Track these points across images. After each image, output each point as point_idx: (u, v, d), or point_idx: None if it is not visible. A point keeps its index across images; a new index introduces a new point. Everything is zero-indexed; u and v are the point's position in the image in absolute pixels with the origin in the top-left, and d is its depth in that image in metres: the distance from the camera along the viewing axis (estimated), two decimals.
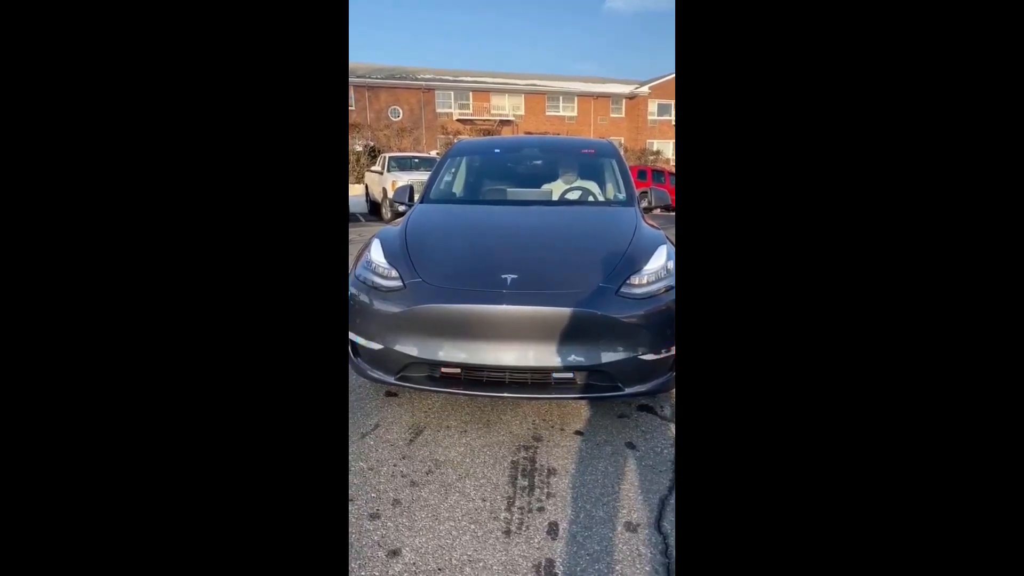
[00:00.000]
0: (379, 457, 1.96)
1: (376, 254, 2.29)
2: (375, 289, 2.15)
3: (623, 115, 31.13)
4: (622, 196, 3.05)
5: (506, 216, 2.77)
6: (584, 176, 3.41)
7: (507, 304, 1.95)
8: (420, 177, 10.58)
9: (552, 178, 3.37)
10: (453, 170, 3.36)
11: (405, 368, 2.08)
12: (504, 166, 3.52)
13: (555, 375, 2.00)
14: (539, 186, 3.33)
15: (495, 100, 28.43)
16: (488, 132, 24.08)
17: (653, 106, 30.97)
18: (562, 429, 2.19)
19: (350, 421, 2.24)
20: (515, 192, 3.21)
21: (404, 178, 10.50)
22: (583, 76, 34.11)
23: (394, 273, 2.16)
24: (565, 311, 1.93)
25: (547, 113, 29.43)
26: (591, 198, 3.17)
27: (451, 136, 24.35)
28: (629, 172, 3.22)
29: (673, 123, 31.22)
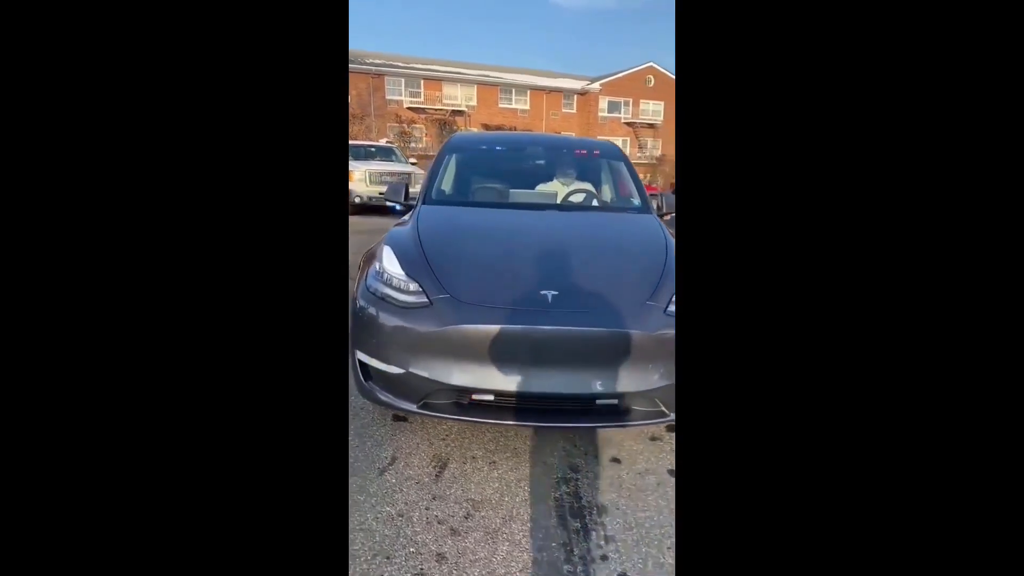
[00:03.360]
0: (407, 499, 1.73)
1: (390, 263, 2.04)
2: (393, 305, 1.90)
3: (574, 110, 31.36)
4: (637, 202, 2.92)
5: (524, 222, 2.57)
6: (593, 179, 3.26)
7: (550, 324, 1.76)
8: (379, 167, 10.14)
9: (563, 178, 3.19)
10: (453, 168, 3.11)
11: (429, 395, 1.85)
12: (508, 166, 3.30)
13: (599, 401, 1.84)
14: (547, 187, 3.15)
15: (447, 89, 27.81)
16: (442, 122, 23.47)
17: (604, 103, 31.40)
18: (596, 456, 2.03)
19: (360, 451, 1.99)
20: (526, 194, 3.02)
21: (360, 168, 10.01)
22: (535, 69, 34.03)
23: (414, 287, 1.92)
24: (613, 332, 1.77)
25: (500, 105, 29.15)
26: (595, 202, 3.03)
27: (405, 125, 23.58)
28: (638, 176, 3.10)
29: (623, 120, 31.83)
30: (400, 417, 2.23)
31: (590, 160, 3.35)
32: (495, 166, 3.27)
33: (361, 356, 1.99)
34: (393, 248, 2.13)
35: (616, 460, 2.02)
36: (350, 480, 1.81)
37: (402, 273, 1.98)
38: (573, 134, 29.27)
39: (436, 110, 26.44)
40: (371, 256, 2.29)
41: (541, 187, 3.23)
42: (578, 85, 31.20)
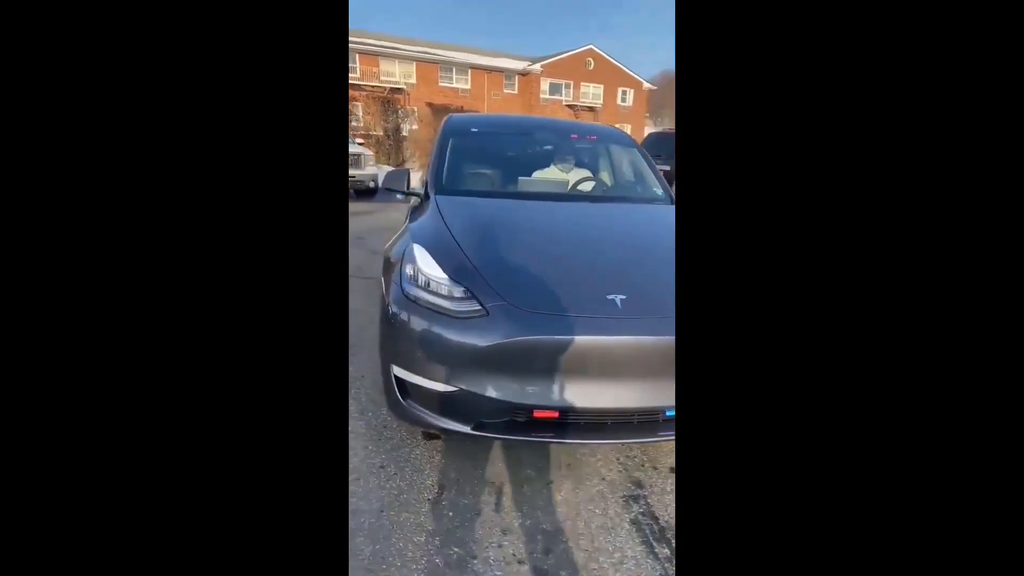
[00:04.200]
0: (473, 536, 1.53)
1: (427, 265, 1.79)
2: (439, 313, 1.67)
3: (516, 91, 31.01)
4: (659, 192, 2.79)
5: (562, 216, 2.37)
6: (597, 166, 3.10)
7: (624, 333, 1.60)
8: None
9: (561, 164, 3.01)
10: (458, 153, 2.84)
11: (486, 414, 1.65)
12: (518, 152, 3.07)
13: (668, 412, 1.71)
14: (545, 174, 2.96)
15: (385, 66, 26.56)
16: (384, 100, 22.32)
17: (545, 84, 31.24)
18: (655, 467, 1.91)
19: (401, 479, 1.75)
20: (545, 183, 2.81)
21: None
22: (475, 48, 33.22)
23: (461, 291, 1.69)
24: None
25: (440, 84, 28.27)
26: (595, 189, 2.88)
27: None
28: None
29: (564, 103, 31.87)
30: (432, 435, 2.00)
31: (598, 146, 3.19)
32: (504, 152, 3.04)
33: (398, 371, 1.75)
34: (426, 247, 1.88)
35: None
36: (402, 516, 1.58)
37: (443, 276, 1.75)
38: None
39: (373, 87, 25.14)
40: (390, 260, 2.02)
41: (538, 174, 3.04)
42: (519, 65, 30.82)
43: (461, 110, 17.95)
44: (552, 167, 3.06)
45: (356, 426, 2.05)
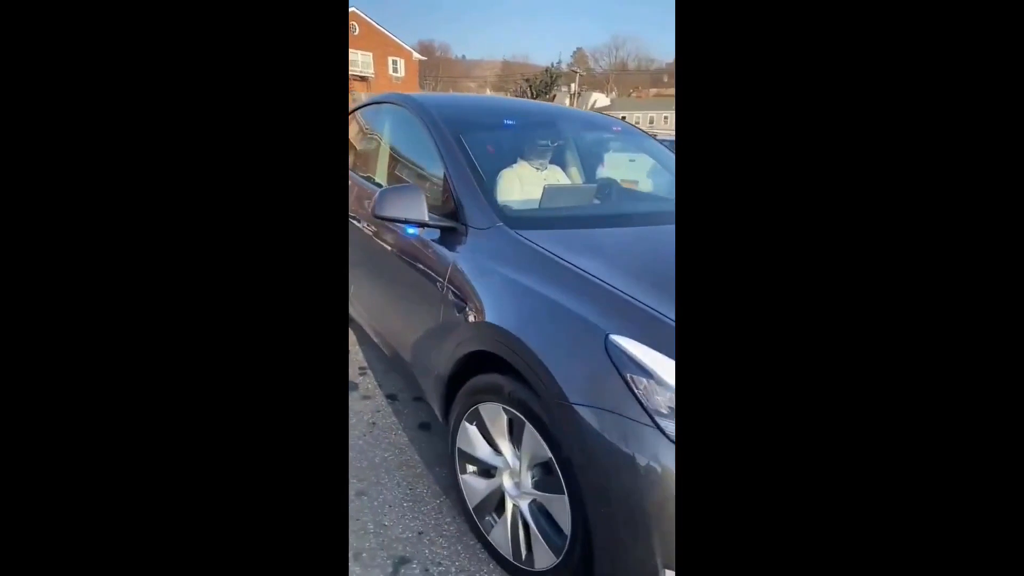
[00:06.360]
0: None
1: (671, 374, 1.03)
2: None
3: None
4: None
5: None
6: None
7: None
8: None
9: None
10: (489, 161, 1.91)
11: None
12: (555, 151, 2.24)
13: None
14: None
15: None
16: None
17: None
18: None
19: None
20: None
21: None
22: None
23: None
24: None
25: None
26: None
27: None
28: None
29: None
30: None
31: (617, 138, 2.59)
32: (538, 153, 2.20)
33: None
34: (638, 339, 1.10)
35: None
36: None
37: None
38: None
39: None
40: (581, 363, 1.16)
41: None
42: None
43: None
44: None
45: None
